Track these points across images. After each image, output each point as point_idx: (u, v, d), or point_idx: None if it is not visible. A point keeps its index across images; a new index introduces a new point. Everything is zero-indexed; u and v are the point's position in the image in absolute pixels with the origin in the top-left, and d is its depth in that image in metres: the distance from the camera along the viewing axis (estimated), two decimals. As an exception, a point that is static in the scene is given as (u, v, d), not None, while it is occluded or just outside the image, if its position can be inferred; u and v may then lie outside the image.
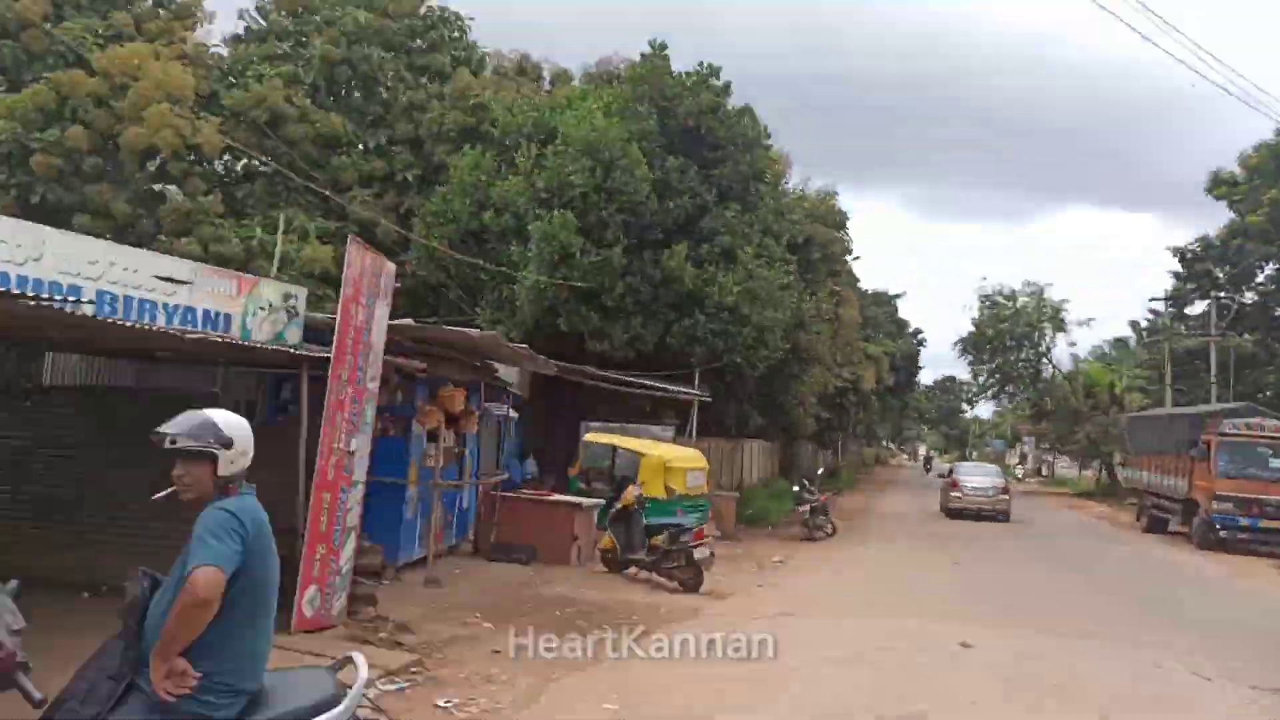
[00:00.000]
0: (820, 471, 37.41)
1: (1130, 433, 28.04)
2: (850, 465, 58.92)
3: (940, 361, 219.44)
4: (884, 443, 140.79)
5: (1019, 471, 52.57)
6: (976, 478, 28.18)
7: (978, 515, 26.14)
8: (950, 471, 32.35)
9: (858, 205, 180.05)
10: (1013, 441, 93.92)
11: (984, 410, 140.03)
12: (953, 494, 27.31)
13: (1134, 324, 55.61)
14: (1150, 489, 24.81)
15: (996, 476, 28.71)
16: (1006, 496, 27.22)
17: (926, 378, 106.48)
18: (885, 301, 59.61)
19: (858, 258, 37.27)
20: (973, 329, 46.70)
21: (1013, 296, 45.36)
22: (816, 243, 27.46)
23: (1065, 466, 59.27)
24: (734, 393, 22.80)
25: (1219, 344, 34.43)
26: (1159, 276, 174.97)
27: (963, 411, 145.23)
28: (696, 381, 19.45)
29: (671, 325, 18.53)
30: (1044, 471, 60.06)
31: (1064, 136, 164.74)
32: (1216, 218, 38.93)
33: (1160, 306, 41.67)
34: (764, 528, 20.36)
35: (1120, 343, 50.46)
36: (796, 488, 19.22)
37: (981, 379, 48.25)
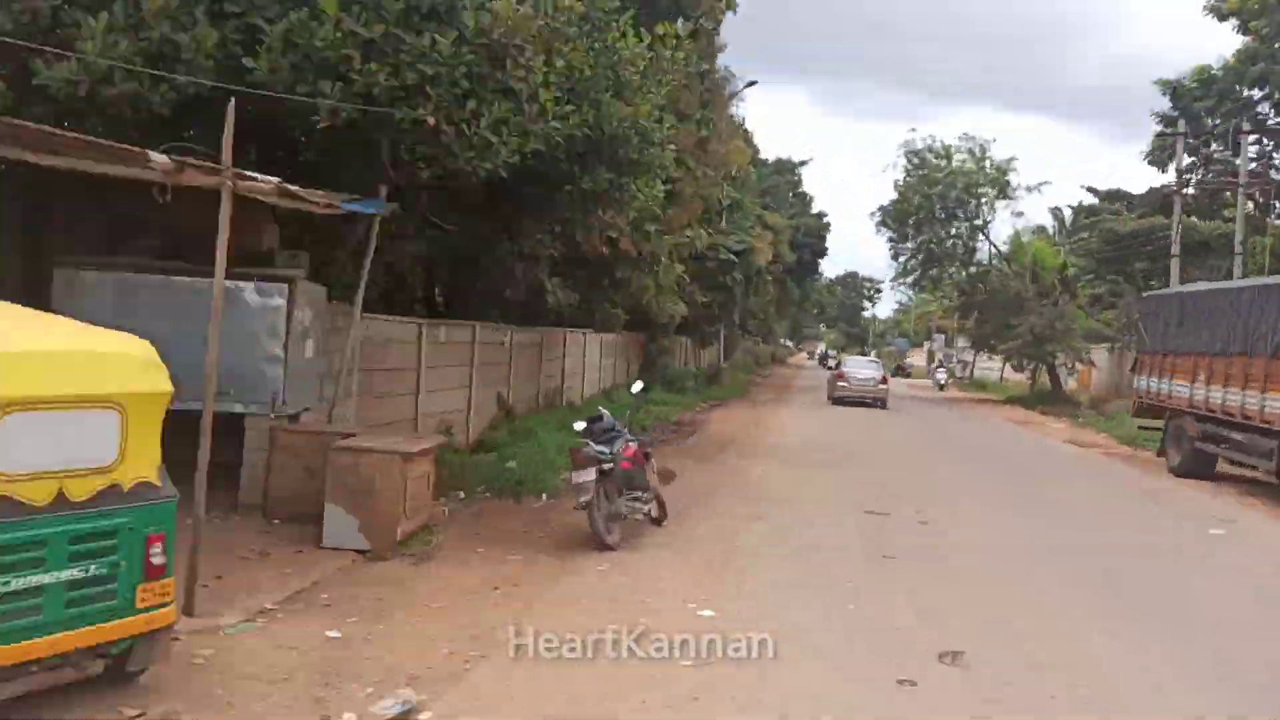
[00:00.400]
0: (695, 374, 27.49)
1: (1151, 320, 18.55)
2: (740, 366, 49.76)
3: (840, 260, 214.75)
4: (782, 340, 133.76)
5: (940, 376, 44.00)
6: (861, 370, 31.86)
7: (859, 402, 29.62)
8: (838, 364, 36.91)
9: (763, 96, 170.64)
10: (920, 339, 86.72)
11: (892, 303, 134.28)
12: (839, 384, 30.90)
13: (1055, 211, 47.21)
14: (1197, 408, 15.43)
15: (877, 369, 32.58)
16: (885, 386, 30.95)
17: (829, 270, 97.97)
18: (788, 170, 49.49)
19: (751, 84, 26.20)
20: (896, 197, 36.93)
21: (947, 153, 35.57)
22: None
23: (985, 367, 51.27)
24: (513, 231, 12.15)
25: (1242, 190, 25.27)
26: (1062, 180, 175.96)
27: (864, 309, 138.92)
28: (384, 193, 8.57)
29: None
30: (959, 374, 51.72)
31: (966, 41, 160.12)
32: (1114, 118, 29.81)
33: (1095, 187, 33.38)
34: (520, 502, 10.12)
35: (1041, 231, 41.72)
36: (581, 424, 8.50)
37: (903, 258, 38.67)
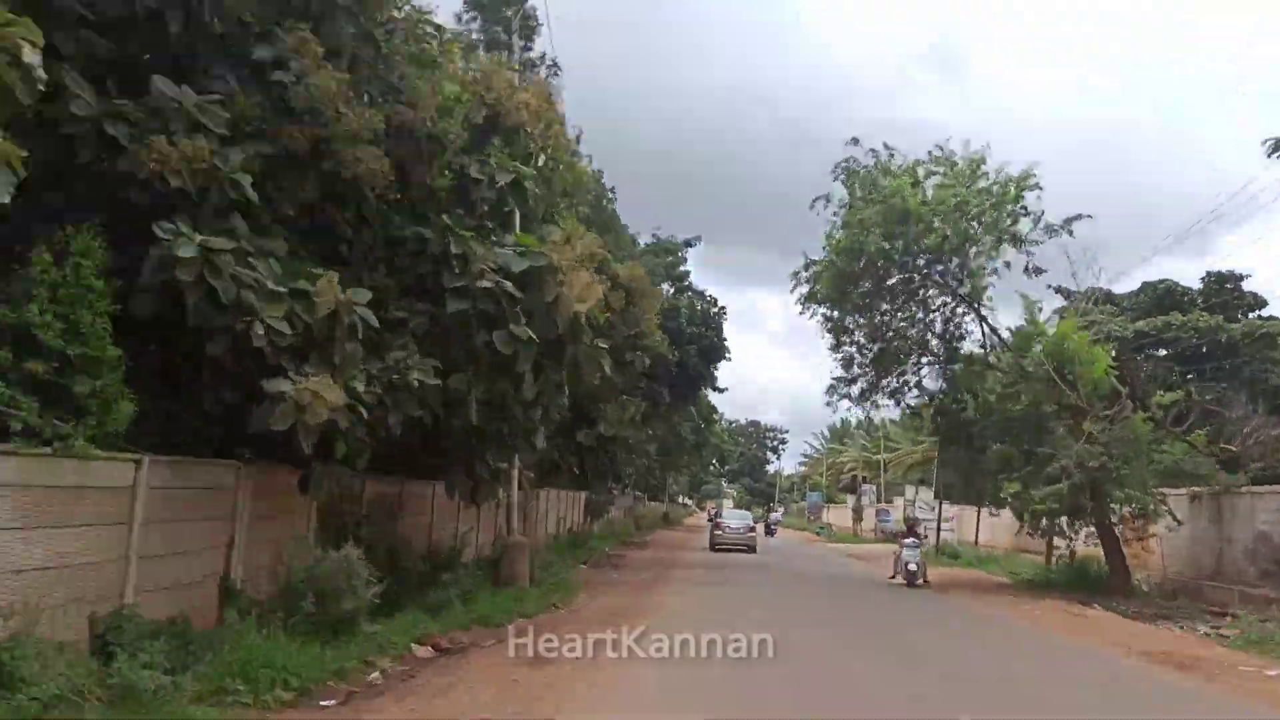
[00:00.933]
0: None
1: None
2: (616, 531, 39.05)
3: (738, 405, 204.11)
4: (681, 499, 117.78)
5: (911, 559, 23.99)
6: (734, 520, 38.35)
7: (733, 547, 34.23)
8: (716, 514, 50.01)
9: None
10: (838, 494, 72.28)
11: (797, 456, 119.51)
12: (716, 533, 36.66)
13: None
14: None
15: (747, 519, 39.25)
16: (753, 534, 36.49)
17: (725, 409, 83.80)
18: (670, 250, 35.41)
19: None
20: (829, 249, 22.66)
21: (912, 174, 21.71)
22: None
23: (948, 528, 36.32)
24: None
25: None
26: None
27: (768, 463, 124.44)
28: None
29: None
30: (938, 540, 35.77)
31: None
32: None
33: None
34: None
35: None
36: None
37: (846, 354, 23.84)
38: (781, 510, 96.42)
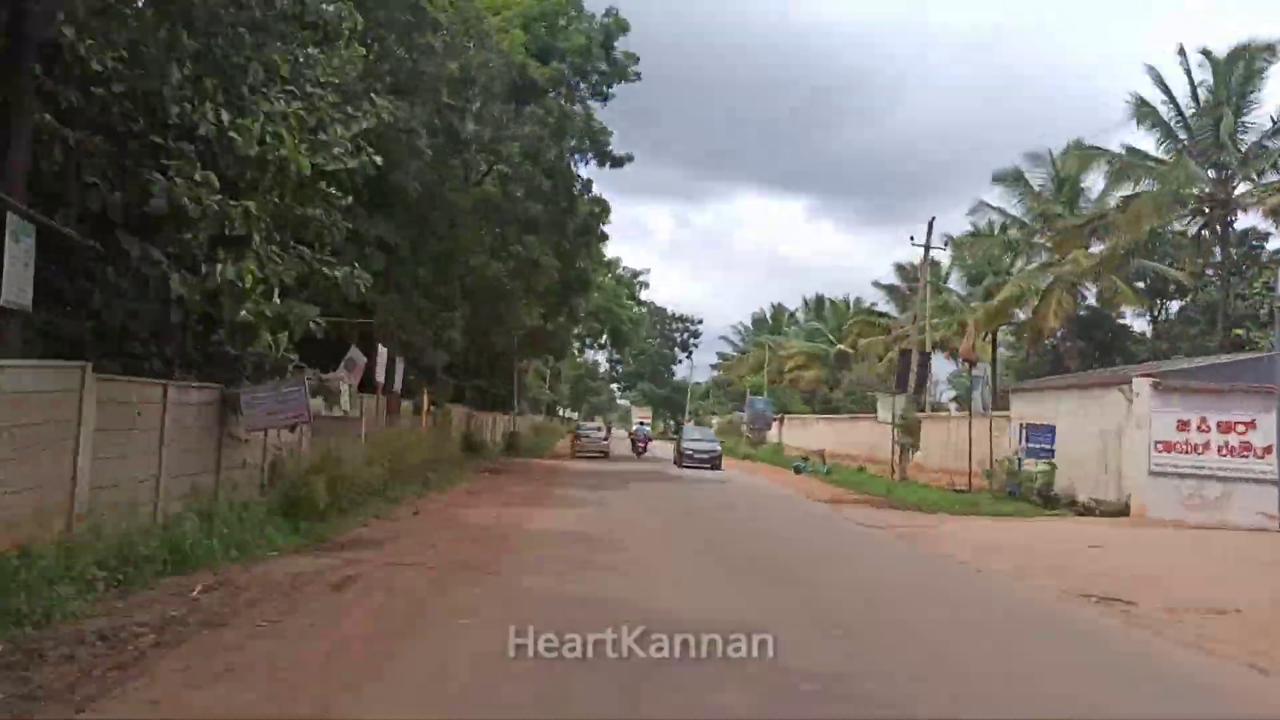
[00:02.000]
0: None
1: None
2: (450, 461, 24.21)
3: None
4: (564, 412, 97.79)
5: None
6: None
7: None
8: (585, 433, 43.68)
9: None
10: (797, 401, 54.06)
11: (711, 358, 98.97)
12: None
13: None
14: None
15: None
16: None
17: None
18: None
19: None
20: None
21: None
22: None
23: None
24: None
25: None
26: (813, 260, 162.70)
27: (676, 362, 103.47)
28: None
29: None
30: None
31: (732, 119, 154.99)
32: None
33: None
34: None
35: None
36: None
37: None
38: (693, 425, 78.12)
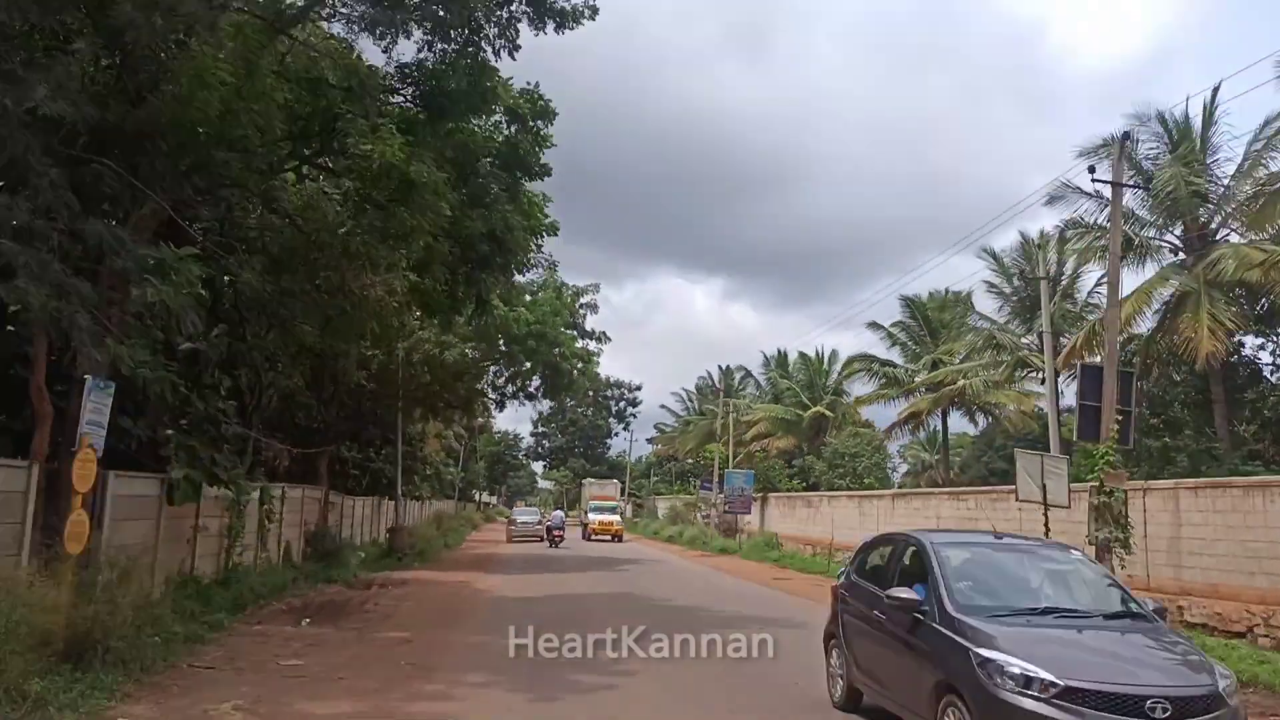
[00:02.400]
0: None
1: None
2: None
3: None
4: (482, 499, 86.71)
5: None
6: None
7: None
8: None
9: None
10: (785, 477, 44.12)
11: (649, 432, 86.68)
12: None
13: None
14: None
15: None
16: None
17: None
18: None
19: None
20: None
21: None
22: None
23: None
24: None
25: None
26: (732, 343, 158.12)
27: (611, 435, 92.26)
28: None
29: None
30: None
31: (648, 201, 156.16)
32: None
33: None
34: None
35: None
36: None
37: None
38: (625, 505, 67.68)
